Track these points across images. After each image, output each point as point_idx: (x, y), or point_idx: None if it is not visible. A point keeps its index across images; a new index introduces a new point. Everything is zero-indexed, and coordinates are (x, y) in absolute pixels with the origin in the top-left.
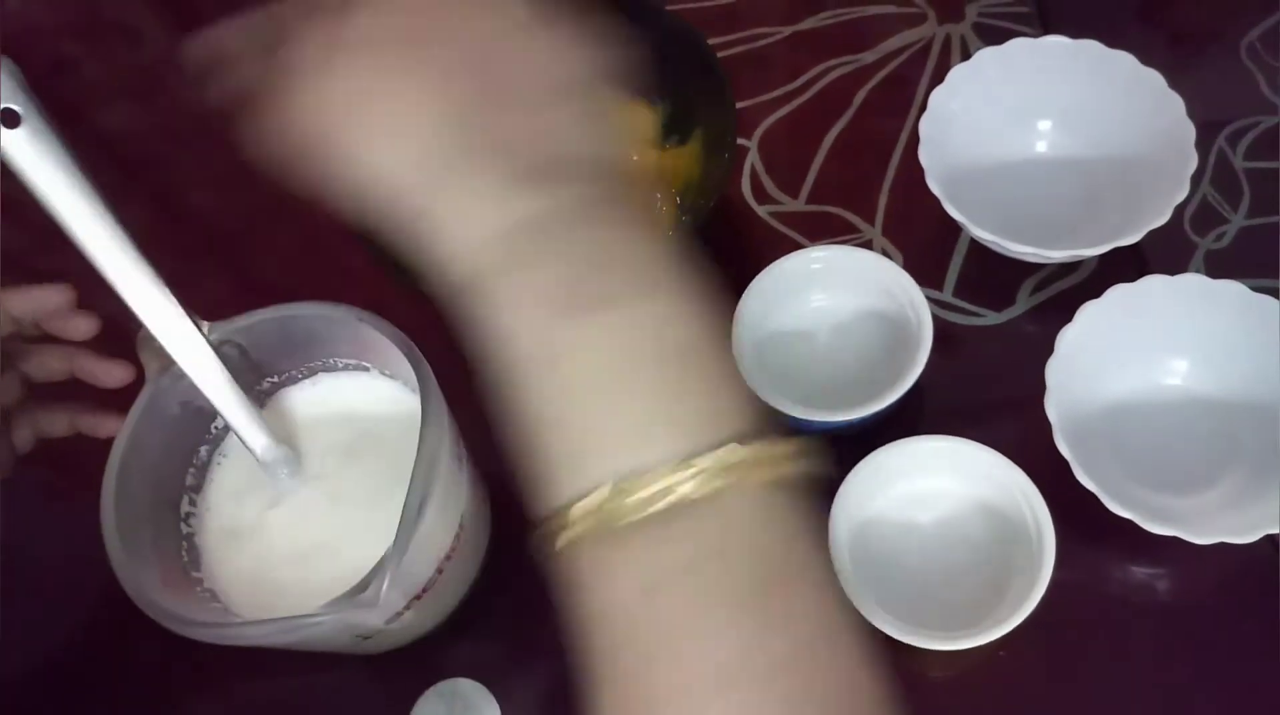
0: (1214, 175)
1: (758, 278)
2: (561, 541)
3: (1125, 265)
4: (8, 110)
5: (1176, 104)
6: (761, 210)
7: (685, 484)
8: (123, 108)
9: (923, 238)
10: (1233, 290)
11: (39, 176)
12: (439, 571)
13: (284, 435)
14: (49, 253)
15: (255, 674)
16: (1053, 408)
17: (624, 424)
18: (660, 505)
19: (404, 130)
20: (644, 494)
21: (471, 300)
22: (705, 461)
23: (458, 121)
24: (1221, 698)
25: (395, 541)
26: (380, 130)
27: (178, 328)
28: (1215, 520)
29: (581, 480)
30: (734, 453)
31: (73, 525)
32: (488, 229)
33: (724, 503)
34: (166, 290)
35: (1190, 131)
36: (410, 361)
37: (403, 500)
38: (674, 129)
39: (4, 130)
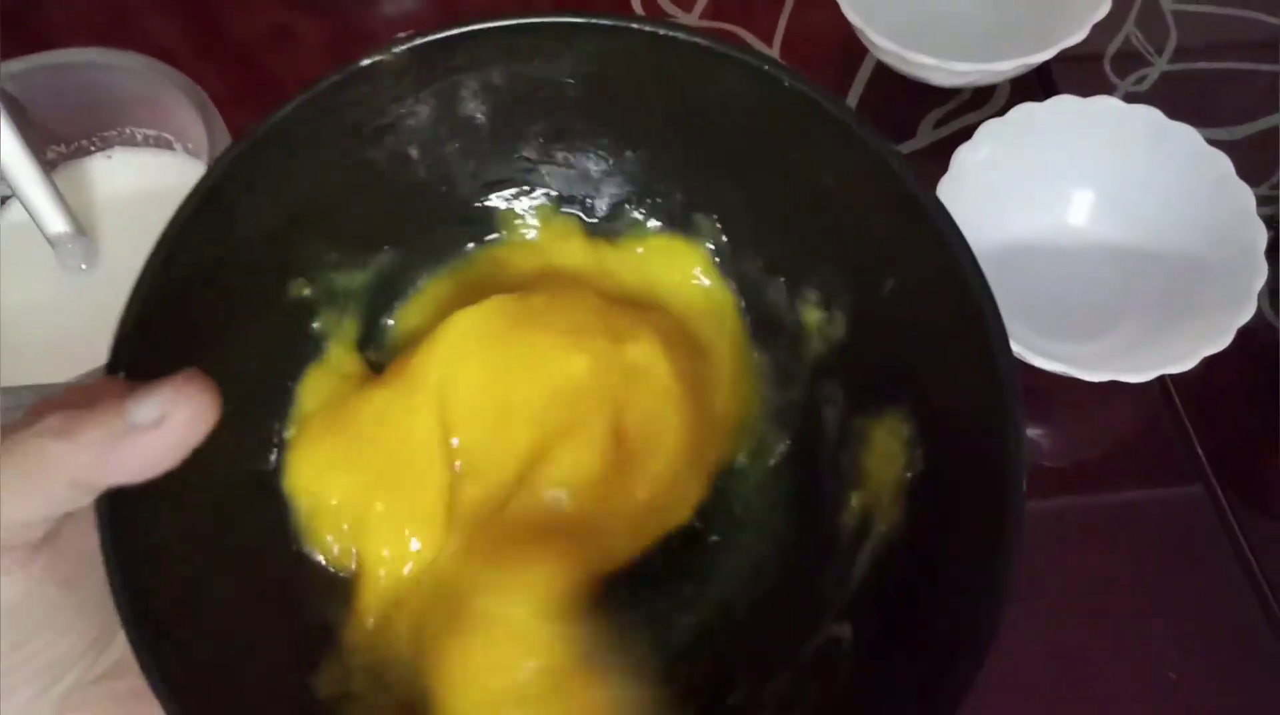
0: (1140, 15)
1: None
2: None
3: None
4: None
5: None
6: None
7: None
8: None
9: (823, 62)
10: (1148, 117)
11: None
12: None
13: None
14: None
15: None
16: None
17: None
18: None
19: None
20: None
21: None
22: None
23: None
24: (1105, 545)
25: None
26: None
27: None
28: (1109, 362)
29: None
30: None
31: None
32: None
33: None
34: None
35: None
36: (202, 116)
37: None
38: None
39: None
